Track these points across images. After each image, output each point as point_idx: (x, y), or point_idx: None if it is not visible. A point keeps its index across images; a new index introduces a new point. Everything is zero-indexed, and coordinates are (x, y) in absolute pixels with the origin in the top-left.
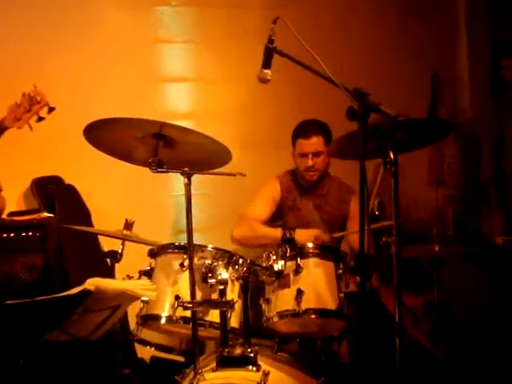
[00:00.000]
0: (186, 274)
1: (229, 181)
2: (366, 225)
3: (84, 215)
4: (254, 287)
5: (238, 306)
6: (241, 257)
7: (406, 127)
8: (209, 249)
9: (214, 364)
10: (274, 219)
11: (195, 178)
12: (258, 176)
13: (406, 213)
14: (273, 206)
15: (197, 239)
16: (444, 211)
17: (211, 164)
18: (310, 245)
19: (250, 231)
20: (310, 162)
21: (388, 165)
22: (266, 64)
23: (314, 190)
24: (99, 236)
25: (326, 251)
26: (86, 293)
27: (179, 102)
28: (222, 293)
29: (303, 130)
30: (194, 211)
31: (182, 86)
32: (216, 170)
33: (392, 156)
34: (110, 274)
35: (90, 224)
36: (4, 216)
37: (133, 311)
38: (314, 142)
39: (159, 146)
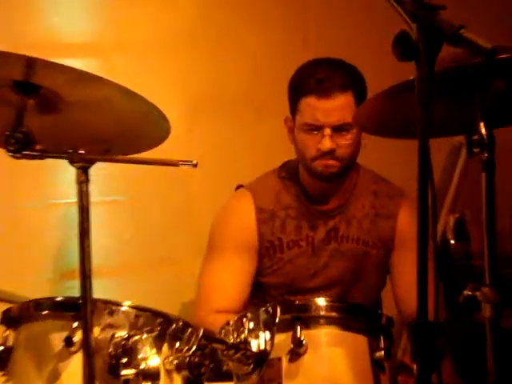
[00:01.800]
0: (78, 358)
1: (166, 176)
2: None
3: None
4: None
5: None
6: (186, 324)
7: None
8: (124, 309)
9: None
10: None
11: (100, 170)
12: (223, 167)
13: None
14: (250, 262)
15: (102, 290)
16: None
17: (130, 143)
18: (322, 301)
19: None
20: (328, 143)
21: (476, 148)
22: None
23: (324, 200)
24: None
25: (353, 314)
26: None
27: (69, 20)
28: None
29: (317, 78)
30: (96, 235)
31: None
32: (140, 156)
33: (484, 132)
34: None
35: None
36: None
37: None
38: (339, 106)
39: (27, 107)
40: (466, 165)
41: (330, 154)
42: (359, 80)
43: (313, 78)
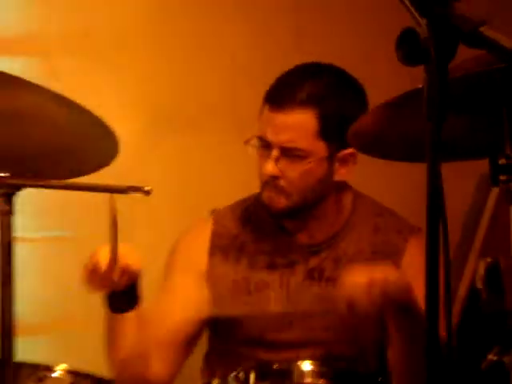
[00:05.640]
0: None
1: (124, 206)
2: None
3: None
4: None
5: None
6: None
7: None
8: (56, 374)
9: None
10: None
11: (35, 199)
12: (195, 194)
13: None
14: (201, 292)
15: (33, 350)
16: None
17: (68, 165)
18: (307, 365)
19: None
20: (270, 167)
21: (502, 176)
22: None
23: (305, 231)
24: None
25: (349, 382)
26: None
27: (3, 10)
28: None
29: (279, 86)
30: (30, 281)
31: None
32: (78, 181)
33: None
34: None
35: None
36: None
37: None
38: (292, 123)
39: None
40: (500, 198)
41: (273, 182)
42: (337, 97)
43: (276, 85)
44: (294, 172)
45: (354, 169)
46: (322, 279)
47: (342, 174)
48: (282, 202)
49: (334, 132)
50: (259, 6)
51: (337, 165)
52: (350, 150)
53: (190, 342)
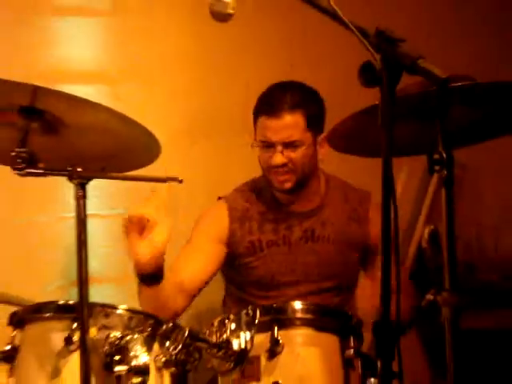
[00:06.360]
0: (76, 356)
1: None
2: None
3: None
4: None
5: None
6: (175, 325)
7: (470, 99)
8: (119, 311)
9: None
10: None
11: (107, 187)
12: (218, 184)
13: (477, 253)
14: (216, 252)
15: (102, 294)
16: None
17: (125, 162)
18: (299, 304)
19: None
20: (279, 159)
21: (436, 166)
22: None
23: (296, 204)
24: None
25: (327, 316)
26: None
27: (79, 49)
28: None
29: (269, 100)
30: (97, 246)
31: (82, 22)
32: (131, 173)
33: (443, 152)
34: None
35: None
36: None
37: None
38: (287, 124)
39: (31, 130)
40: (440, 181)
41: (283, 166)
42: (312, 101)
43: (266, 100)
44: (295, 157)
45: (328, 149)
46: (314, 237)
47: (322, 153)
48: (291, 180)
49: (314, 124)
50: (264, 51)
51: (318, 146)
52: (323, 135)
53: (202, 286)
